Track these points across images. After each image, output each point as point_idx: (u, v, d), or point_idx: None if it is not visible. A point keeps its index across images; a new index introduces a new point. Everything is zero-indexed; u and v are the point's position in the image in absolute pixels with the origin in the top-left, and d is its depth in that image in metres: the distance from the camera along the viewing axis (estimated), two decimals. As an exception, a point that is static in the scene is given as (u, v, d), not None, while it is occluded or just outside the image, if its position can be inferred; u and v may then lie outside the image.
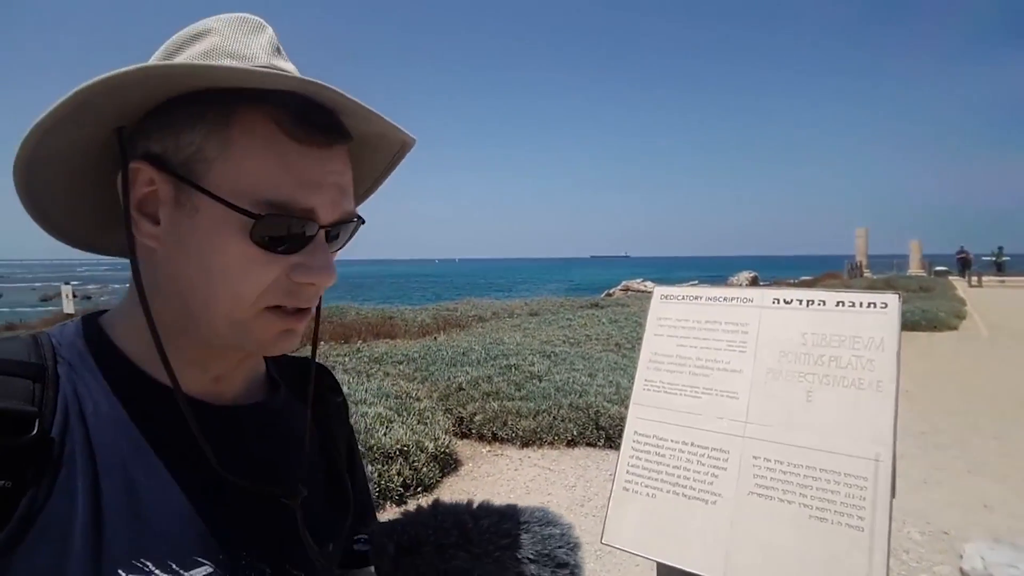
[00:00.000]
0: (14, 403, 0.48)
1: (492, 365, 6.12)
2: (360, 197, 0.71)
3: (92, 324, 0.60)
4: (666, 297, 0.97)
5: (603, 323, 9.82)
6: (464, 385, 5.73)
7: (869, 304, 0.82)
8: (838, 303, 0.84)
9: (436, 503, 0.71)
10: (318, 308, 0.66)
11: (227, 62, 0.52)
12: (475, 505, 0.71)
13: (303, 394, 0.71)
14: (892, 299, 0.81)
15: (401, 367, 6.42)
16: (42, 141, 0.51)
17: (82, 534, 0.48)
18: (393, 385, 5.51)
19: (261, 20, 0.58)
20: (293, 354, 0.72)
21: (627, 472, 0.87)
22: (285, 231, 0.53)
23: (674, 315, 0.95)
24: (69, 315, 9.84)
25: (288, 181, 0.52)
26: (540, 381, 5.60)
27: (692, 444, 0.85)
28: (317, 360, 0.75)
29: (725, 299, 0.92)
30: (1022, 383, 7.59)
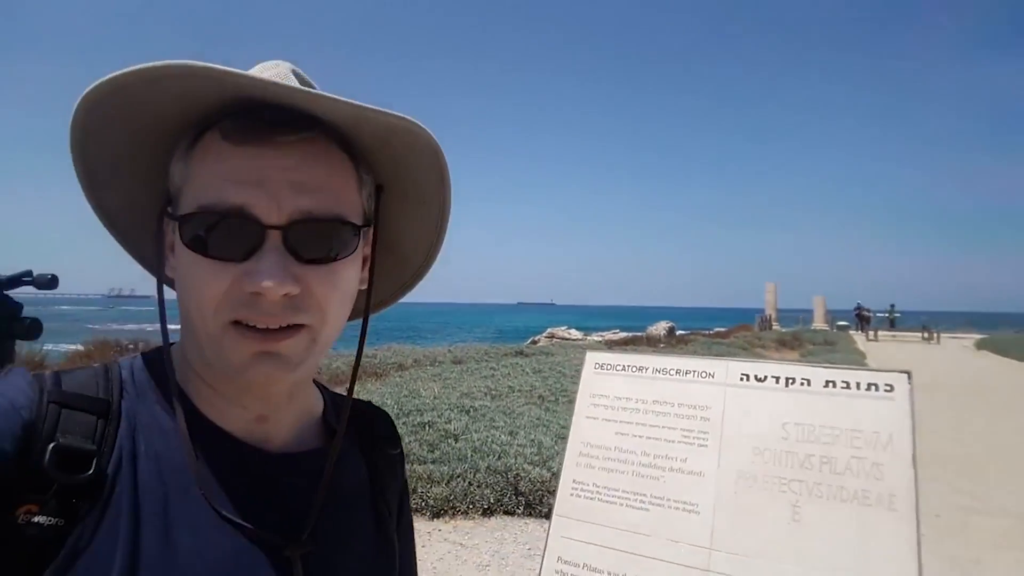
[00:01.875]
0: (77, 440, 0.50)
1: (404, 423, 5.63)
2: (433, 212, 0.66)
3: (159, 358, 0.60)
4: (601, 367, 0.74)
5: (527, 373, 9.59)
6: None
7: (869, 385, 0.62)
8: (827, 382, 0.63)
9: None
10: (359, 347, 0.69)
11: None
12: None
13: (359, 443, 0.70)
14: (899, 380, 0.61)
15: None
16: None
17: None
18: None
19: (278, 61, 0.61)
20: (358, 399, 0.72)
21: (547, 625, 0.61)
22: (217, 232, 0.51)
23: (612, 391, 0.71)
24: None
25: (215, 182, 0.52)
26: (456, 441, 5.21)
27: (637, 580, 0.60)
28: (379, 406, 0.77)
29: (678, 372, 0.70)
30: (928, 435, 7.97)
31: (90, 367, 0.57)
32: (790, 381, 0.65)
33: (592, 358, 0.75)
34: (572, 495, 0.67)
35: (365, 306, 0.69)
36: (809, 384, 0.64)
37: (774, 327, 29.21)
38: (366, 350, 0.71)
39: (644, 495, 0.64)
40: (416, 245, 0.70)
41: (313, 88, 0.59)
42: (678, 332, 24.27)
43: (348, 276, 0.58)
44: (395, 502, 0.73)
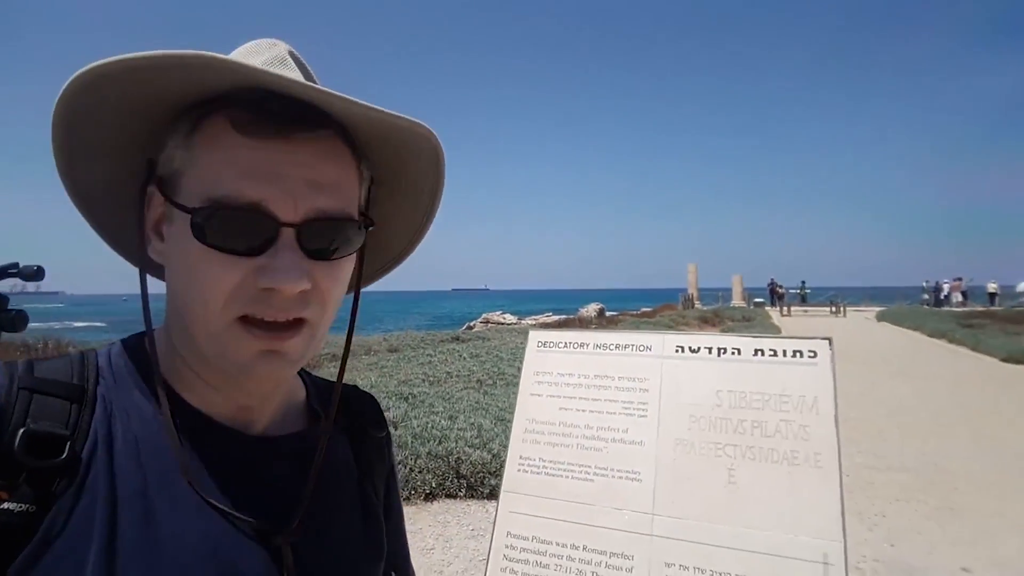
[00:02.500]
0: (47, 425, 0.49)
1: (341, 411, 5.56)
2: (421, 210, 0.68)
3: (137, 344, 0.60)
4: (544, 344, 0.75)
5: (464, 358, 9.59)
6: None
7: (794, 352, 0.65)
8: (756, 351, 0.67)
9: None
10: (349, 332, 0.71)
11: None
12: None
13: (345, 426, 0.71)
14: (821, 346, 0.65)
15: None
16: (72, 169, 0.57)
17: (95, 563, 0.47)
18: None
19: (275, 41, 0.59)
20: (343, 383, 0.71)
21: (500, 595, 0.62)
22: (231, 227, 0.51)
23: (555, 368, 0.72)
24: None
25: (230, 175, 0.51)
26: (396, 428, 5.16)
27: (584, 548, 0.62)
28: (365, 390, 0.78)
29: (617, 347, 0.71)
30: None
31: (66, 355, 0.57)
32: (722, 351, 0.68)
33: (535, 336, 0.76)
34: (520, 471, 0.68)
35: (355, 296, 0.69)
36: (739, 353, 0.67)
37: (696, 305, 30.54)
38: None
39: (588, 466, 0.65)
40: (400, 232, 0.71)
41: (309, 71, 0.61)
42: (608, 313, 24.98)
43: (348, 269, 0.59)
44: (382, 485, 0.74)
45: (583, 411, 0.68)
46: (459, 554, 3.73)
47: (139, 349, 0.59)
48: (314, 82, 0.59)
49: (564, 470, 0.66)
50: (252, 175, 0.51)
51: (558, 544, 0.63)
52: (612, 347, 0.71)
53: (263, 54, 0.58)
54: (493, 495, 4.59)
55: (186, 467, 0.54)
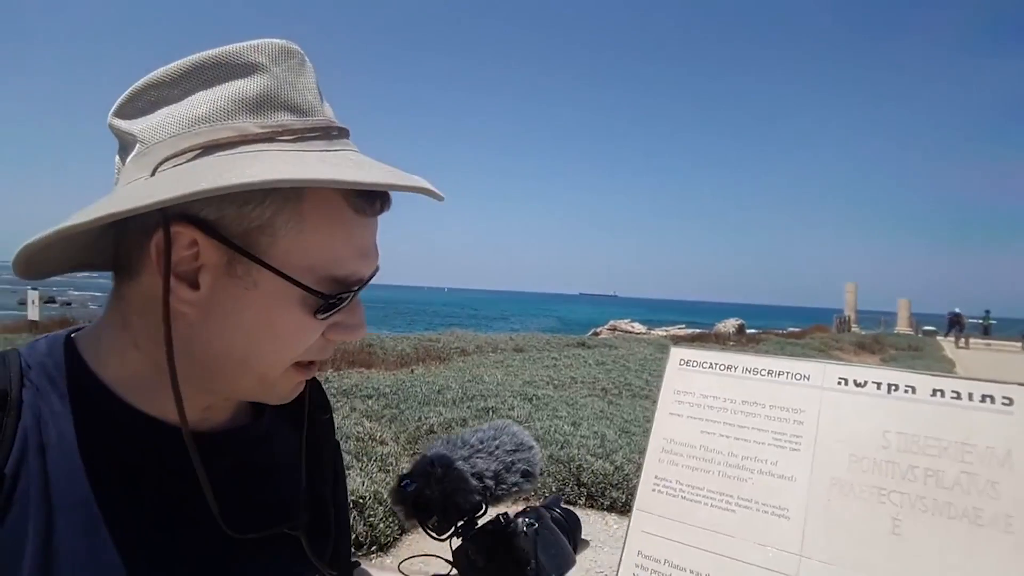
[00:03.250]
0: None
1: (468, 407, 5.74)
2: None
3: (64, 345, 0.55)
4: (686, 363, 0.72)
5: (590, 365, 9.54)
6: (435, 428, 5.22)
7: (983, 397, 0.57)
8: (934, 391, 0.60)
9: (438, 439, 0.81)
10: None
11: (286, 117, 0.51)
12: (463, 432, 0.82)
13: (288, 415, 0.68)
14: (1019, 393, 0.56)
15: (370, 403, 5.96)
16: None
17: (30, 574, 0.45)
18: (356, 425, 5.05)
19: (296, 47, 0.54)
20: None
21: (627, 619, 0.61)
22: (337, 299, 0.52)
23: (698, 388, 0.70)
24: (34, 322, 9.46)
25: (351, 254, 0.53)
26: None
27: (721, 581, 0.59)
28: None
29: (769, 373, 0.67)
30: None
31: None
32: (893, 388, 0.61)
33: (677, 354, 0.74)
34: (654, 491, 0.66)
35: None
36: (914, 392, 0.60)
37: (853, 329, 27.68)
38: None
39: (730, 496, 0.63)
40: None
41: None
42: (748, 330, 23.43)
43: None
44: (330, 467, 0.74)
45: (727, 437, 0.66)
46: (579, 562, 3.69)
47: (71, 349, 0.55)
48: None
49: (703, 496, 0.64)
50: (365, 254, 0.54)
51: (692, 572, 0.61)
52: (764, 372, 0.67)
53: (303, 75, 0.54)
54: (613, 507, 4.50)
55: (125, 469, 0.51)
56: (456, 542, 0.75)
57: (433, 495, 0.72)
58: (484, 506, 0.76)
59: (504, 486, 0.77)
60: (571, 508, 0.90)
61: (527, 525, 0.76)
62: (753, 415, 0.65)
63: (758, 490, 0.62)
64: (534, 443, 0.83)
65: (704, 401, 0.69)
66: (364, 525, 3.51)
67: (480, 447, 0.78)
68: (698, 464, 0.66)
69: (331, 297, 0.51)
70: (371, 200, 0.53)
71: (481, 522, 0.75)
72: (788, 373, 0.66)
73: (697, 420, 0.68)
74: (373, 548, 3.54)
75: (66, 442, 0.50)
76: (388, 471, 4.17)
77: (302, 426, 0.69)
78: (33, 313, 9.62)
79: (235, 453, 0.60)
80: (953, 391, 0.59)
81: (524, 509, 0.82)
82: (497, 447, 0.79)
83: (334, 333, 0.55)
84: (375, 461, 4.26)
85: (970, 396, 0.58)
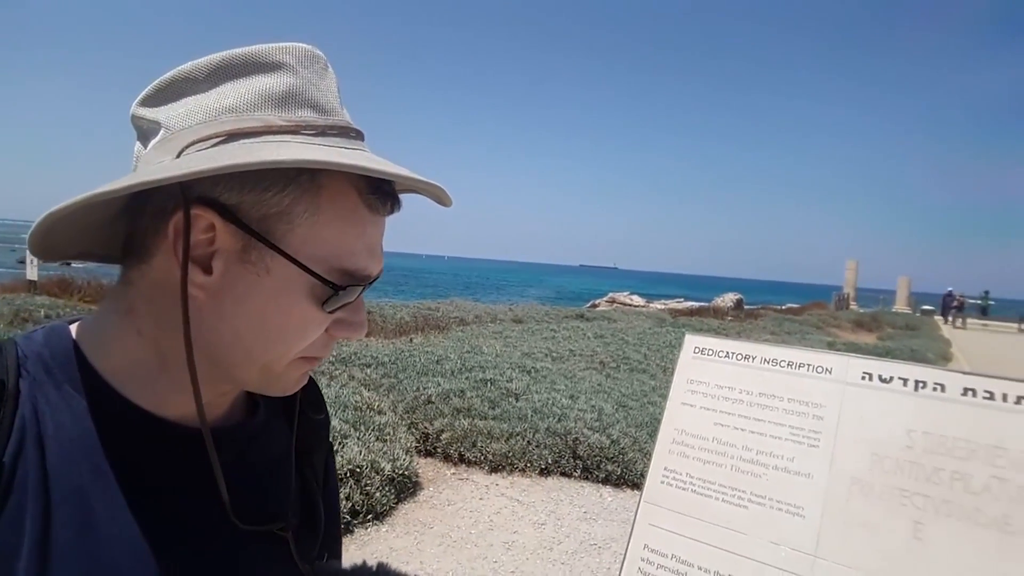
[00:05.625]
0: None
1: (467, 378, 5.73)
2: None
3: (62, 335, 0.55)
4: (701, 351, 0.69)
5: (588, 337, 9.55)
6: (433, 398, 5.23)
7: (1019, 399, 0.54)
8: (965, 390, 0.56)
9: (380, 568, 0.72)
10: None
11: (309, 114, 0.52)
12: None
13: (282, 413, 0.69)
14: (1058, 395, 0.53)
15: (368, 371, 5.97)
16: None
17: (26, 569, 0.45)
18: (354, 394, 5.04)
19: (320, 53, 0.56)
20: None
21: (632, 613, 0.59)
22: (343, 293, 0.53)
23: (712, 379, 0.67)
24: (32, 281, 9.43)
25: (362, 250, 0.54)
26: (517, 400, 5.25)
27: (731, 577, 0.57)
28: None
29: (789, 364, 0.64)
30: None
31: None
32: (920, 384, 0.58)
33: (692, 341, 0.70)
34: (663, 483, 0.64)
35: None
36: (943, 390, 0.57)
37: (851, 307, 27.71)
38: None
39: (743, 491, 0.60)
40: None
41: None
42: (747, 305, 23.46)
43: None
44: (321, 467, 0.74)
45: (741, 430, 0.63)
46: (570, 534, 3.76)
47: (69, 340, 0.55)
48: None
49: (715, 491, 0.61)
50: (374, 252, 0.56)
51: (700, 568, 0.59)
52: (783, 364, 0.64)
53: (326, 77, 0.56)
54: (608, 480, 4.56)
55: (123, 463, 0.52)
56: None
57: None
58: None
59: None
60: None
61: None
62: (770, 408, 0.62)
63: (773, 487, 0.59)
64: None
65: (719, 392, 0.66)
66: (361, 494, 3.54)
67: None
68: (710, 457, 0.63)
69: (341, 288, 0.52)
70: (384, 200, 0.55)
71: None
72: (809, 365, 0.63)
73: (710, 411, 0.65)
74: (369, 516, 3.59)
75: (63, 434, 0.50)
76: (385, 440, 4.21)
77: (294, 423, 0.69)
78: (32, 273, 9.58)
79: (230, 450, 0.60)
80: (986, 391, 0.56)
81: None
82: None
83: (336, 329, 0.56)
84: (373, 431, 4.29)
85: (1004, 397, 0.55)
